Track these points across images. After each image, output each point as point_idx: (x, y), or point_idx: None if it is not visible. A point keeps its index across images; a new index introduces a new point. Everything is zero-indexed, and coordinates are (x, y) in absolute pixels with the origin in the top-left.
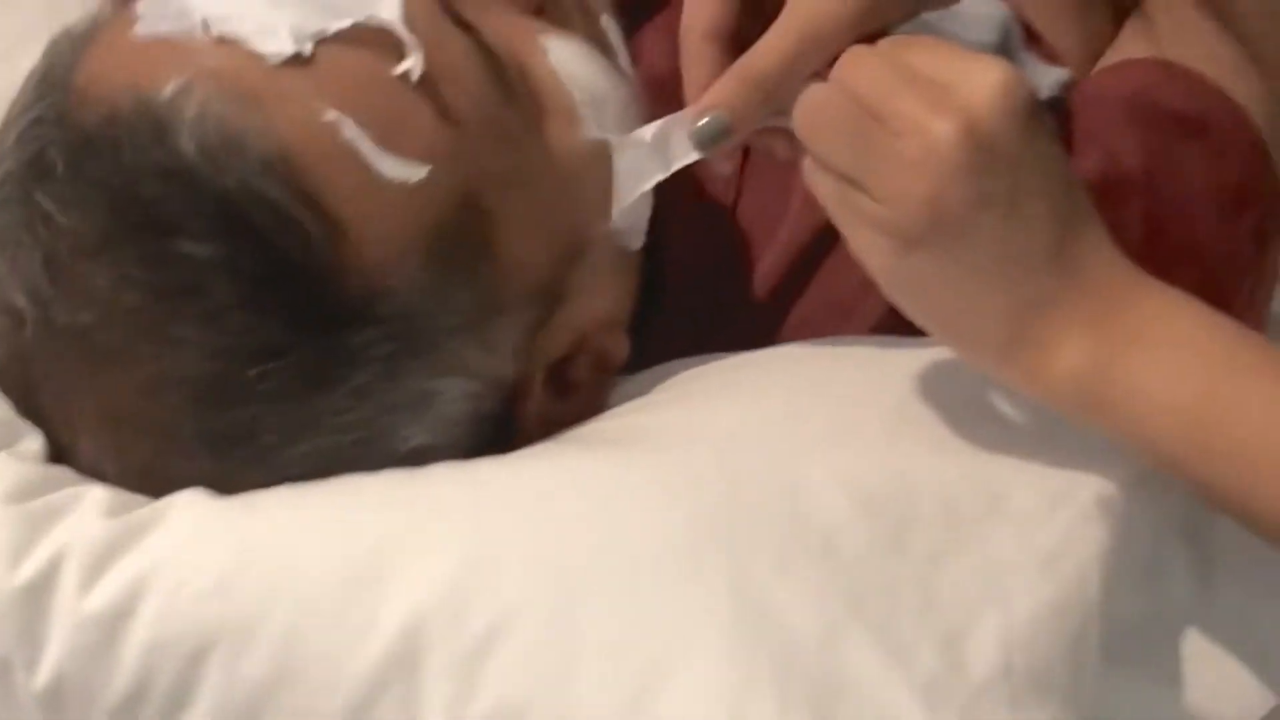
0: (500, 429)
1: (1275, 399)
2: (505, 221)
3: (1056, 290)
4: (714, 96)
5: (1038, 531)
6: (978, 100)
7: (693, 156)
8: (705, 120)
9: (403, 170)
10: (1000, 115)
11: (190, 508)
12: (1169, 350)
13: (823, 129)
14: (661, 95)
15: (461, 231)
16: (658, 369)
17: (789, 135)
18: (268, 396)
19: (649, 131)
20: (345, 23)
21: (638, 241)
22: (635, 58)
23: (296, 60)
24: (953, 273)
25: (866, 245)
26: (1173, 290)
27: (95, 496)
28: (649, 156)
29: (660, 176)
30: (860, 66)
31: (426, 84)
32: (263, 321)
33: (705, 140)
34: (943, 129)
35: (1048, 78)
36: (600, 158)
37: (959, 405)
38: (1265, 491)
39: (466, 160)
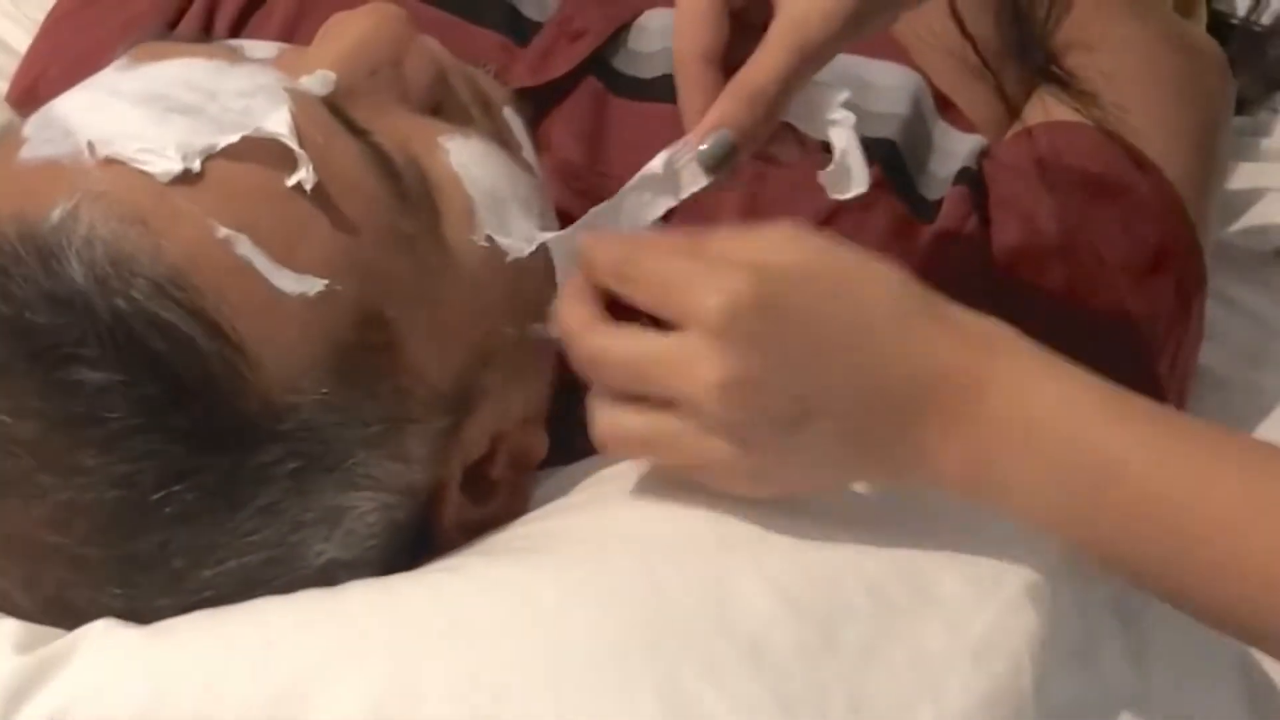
0: (418, 537)
1: (1149, 458)
2: (409, 330)
3: (895, 430)
4: (715, 118)
5: (968, 622)
6: (691, 384)
7: (702, 182)
8: (710, 142)
9: (300, 284)
10: (730, 361)
11: (104, 639)
12: (1030, 455)
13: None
14: (573, 183)
15: (364, 343)
16: (578, 466)
17: (795, 138)
18: (174, 520)
19: (659, 163)
20: (234, 137)
21: (555, 331)
22: (543, 146)
23: (186, 178)
24: (794, 474)
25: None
26: (1017, 367)
27: (5, 631)
28: (661, 186)
29: (670, 204)
30: (600, 363)
31: (320, 194)
32: (164, 445)
33: (713, 162)
34: (689, 408)
35: (962, 146)
36: (503, 259)
37: (882, 496)
38: (1172, 563)
39: (365, 270)
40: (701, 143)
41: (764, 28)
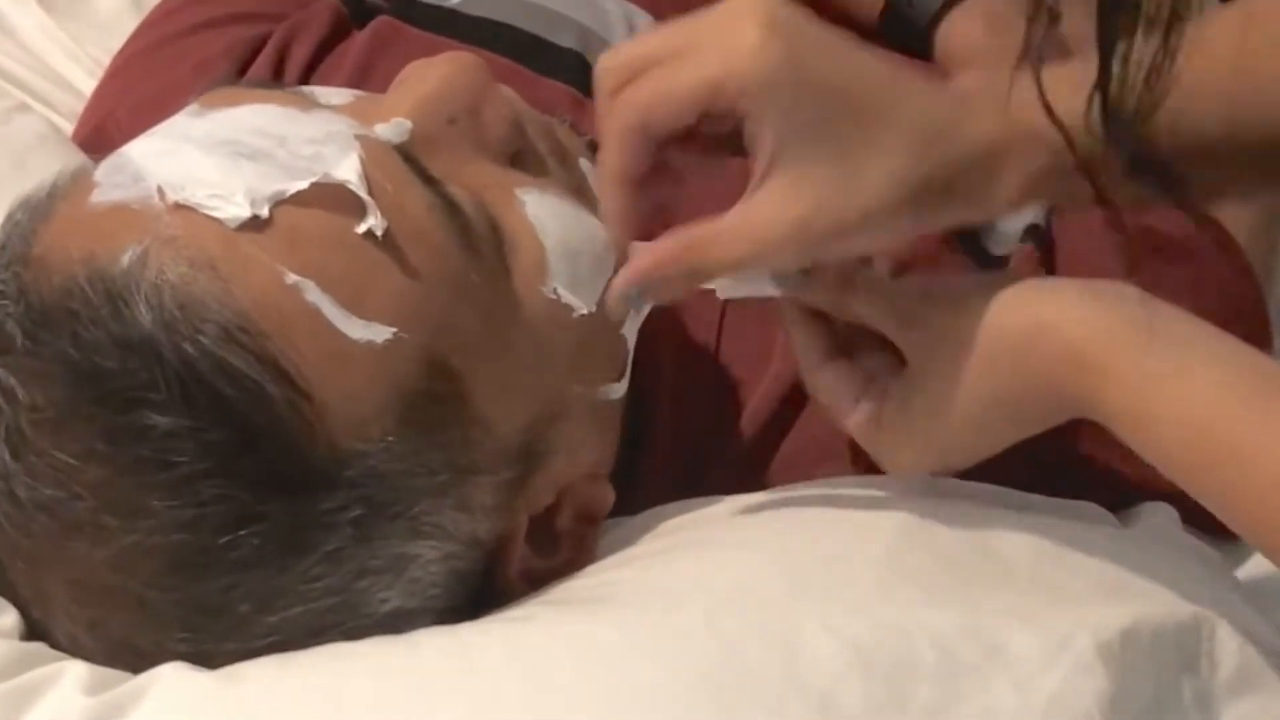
0: (483, 586)
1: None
2: (476, 381)
3: None
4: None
5: (1037, 681)
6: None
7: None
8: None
9: (368, 332)
10: None
11: (173, 683)
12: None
13: None
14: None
15: (431, 393)
16: (644, 516)
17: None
18: (240, 565)
19: None
20: (303, 183)
21: (620, 391)
22: None
23: (254, 224)
24: None
25: None
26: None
27: (74, 673)
28: None
29: None
30: None
31: (389, 243)
32: (231, 490)
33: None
34: None
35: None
36: (572, 314)
37: (951, 550)
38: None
39: (433, 320)
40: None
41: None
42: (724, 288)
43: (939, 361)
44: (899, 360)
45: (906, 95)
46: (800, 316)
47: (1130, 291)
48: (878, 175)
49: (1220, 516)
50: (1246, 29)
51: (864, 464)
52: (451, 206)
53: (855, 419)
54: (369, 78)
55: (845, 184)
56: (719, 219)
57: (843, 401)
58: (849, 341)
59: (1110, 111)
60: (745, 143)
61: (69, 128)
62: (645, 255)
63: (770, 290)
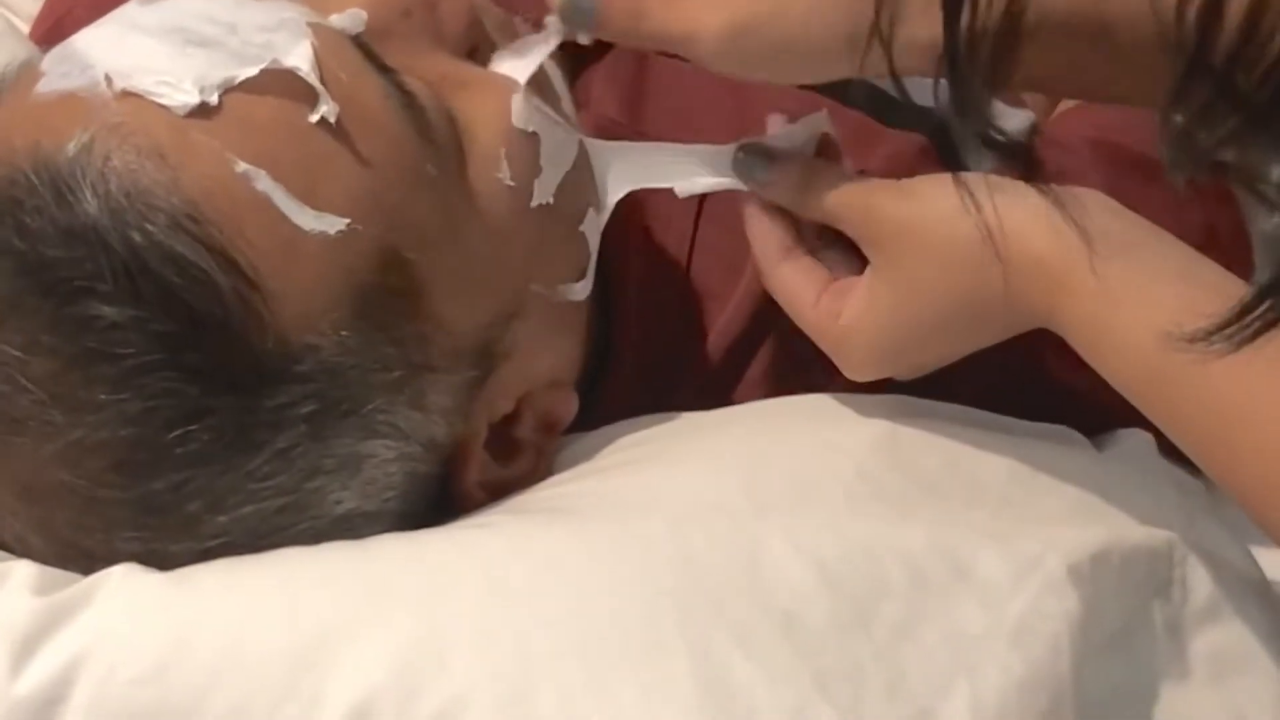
0: (441, 492)
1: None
2: (432, 276)
3: None
4: None
5: (1006, 602)
6: None
7: None
8: None
9: (320, 222)
10: None
11: (124, 584)
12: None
13: None
14: (612, 139)
15: (385, 286)
16: (608, 429)
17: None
18: (189, 462)
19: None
20: (253, 70)
21: (582, 293)
22: (582, 103)
23: (203, 111)
24: None
25: None
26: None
27: (22, 573)
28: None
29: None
30: None
31: (342, 132)
32: (179, 384)
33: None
34: None
35: (1013, 121)
36: (529, 210)
37: (922, 469)
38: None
39: (387, 211)
40: None
41: None
42: (683, 186)
43: (900, 261)
44: (861, 260)
45: None
46: (760, 211)
47: (1099, 201)
48: None
49: (1173, 440)
50: None
51: (838, 382)
52: (407, 96)
53: (813, 316)
54: None
55: None
56: None
57: (801, 299)
58: (810, 241)
59: (957, 82)
60: None
61: (27, 30)
62: None
63: (730, 184)
